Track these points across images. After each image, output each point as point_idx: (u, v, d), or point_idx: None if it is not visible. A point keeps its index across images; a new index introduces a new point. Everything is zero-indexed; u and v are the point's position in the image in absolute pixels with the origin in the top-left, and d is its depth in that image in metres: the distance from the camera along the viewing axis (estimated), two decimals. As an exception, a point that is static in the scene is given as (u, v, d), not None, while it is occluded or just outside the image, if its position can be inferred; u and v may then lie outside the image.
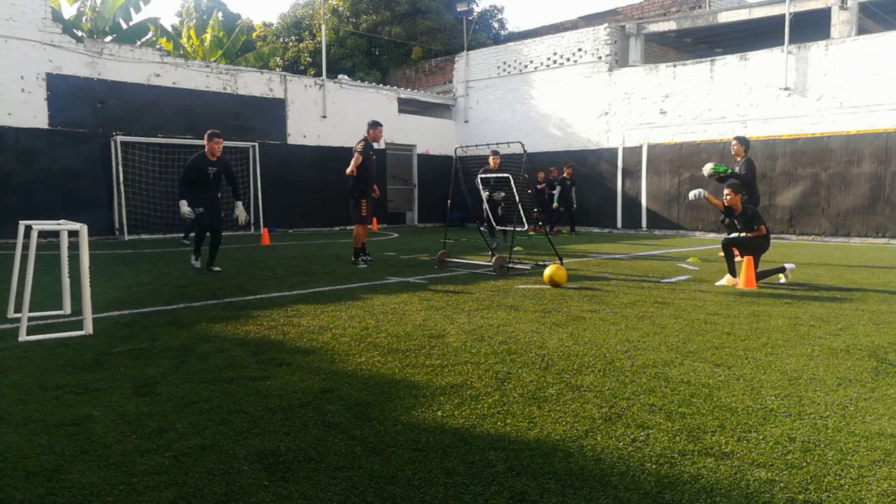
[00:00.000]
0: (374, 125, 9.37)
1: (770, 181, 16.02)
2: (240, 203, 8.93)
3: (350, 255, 9.92)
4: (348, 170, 8.92)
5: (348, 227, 10.88)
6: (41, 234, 4.70)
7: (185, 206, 8.34)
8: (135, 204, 15.40)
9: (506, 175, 11.76)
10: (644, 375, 3.73)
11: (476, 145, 10.54)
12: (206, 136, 8.75)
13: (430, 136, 21.94)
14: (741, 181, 8.58)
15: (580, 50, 19.42)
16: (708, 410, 3.14)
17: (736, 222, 7.60)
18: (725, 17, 17.90)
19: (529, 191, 15.72)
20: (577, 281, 7.80)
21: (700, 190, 8.07)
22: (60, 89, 14.43)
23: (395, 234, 17.22)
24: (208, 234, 8.58)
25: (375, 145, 9.45)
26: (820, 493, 2.28)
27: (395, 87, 22.09)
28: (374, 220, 18.54)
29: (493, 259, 8.73)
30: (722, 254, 8.11)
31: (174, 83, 16.23)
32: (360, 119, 13.11)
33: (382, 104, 20.56)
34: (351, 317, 5.50)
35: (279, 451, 2.63)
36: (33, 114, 14.15)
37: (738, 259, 7.85)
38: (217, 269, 8.59)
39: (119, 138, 15.08)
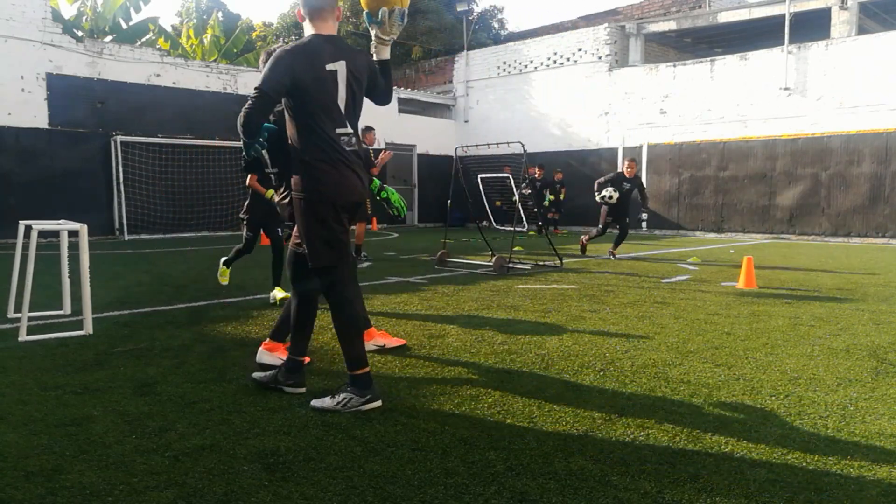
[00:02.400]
0: (370, 130, 9.81)
1: (770, 181, 16.02)
2: None
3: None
4: (375, 171, 9.44)
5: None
6: (41, 234, 4.69)
7: None
8: (135, 204, 15.40)
9: (506, 175, 11.73)
10: (644, 375, 3.73)
11: (476, 145, 10.54)
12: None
13: (430, 136, 21.93)
14: None
15: (580, 50, 19.42)
16: (708, 410, 3.14)
17: None
18: (725, 17, 17.90)
19: (529, 191, 15.76)
20: (578, 281, 7.80)
21: None
22: (60, 89, 14.42)
23: (395, 234, 17.22)
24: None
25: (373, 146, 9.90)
26: (820, 493, 2.28)
27: (395, 87, 22.09)
28: (374, 219, 18.54)
29: (493, 259, 8.73)
30: None
31: (174, 83, 16.23)
32: (361, 119, 13.09)
33: (382, 104, 20.52)
34: (351, 317, 5.49)
35: (279, 451, 2.63)
36: (33, 114, 14.14)
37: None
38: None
39: (119, 138, 15.08)
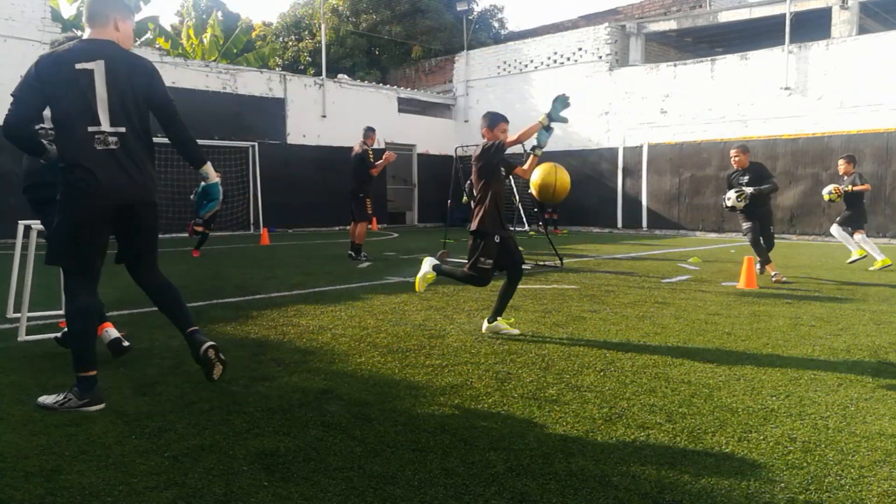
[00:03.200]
0: (373, 130, 10.25)
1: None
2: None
3: (350, 252, 10.11)
4: (375, 171, 9.94)
5: (347, 227, 10.94)
6: (41, 233, 4.69)
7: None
8: (135, 204, 15.38)
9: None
10: (644, 375, 3.73)
11: (476, 145, 10.52)
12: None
13: (430, 136, 21.93)
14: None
15: (580, 49, 19.41)
16: (708, 410, 3.14)
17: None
18: (726, 17, 17.90)
19: (530, 190, 15.75)
20: (578, 281, 7.79)
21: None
22: (60, 89, 14.40)
23: (395, 234, 17.22)
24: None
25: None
26: (820, 493, 2.28)
27: (395, 87, 22.09)
28: (374, 219, 18.56)
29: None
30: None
31: (173, 83, 16.19)
32: (360, 119, 13.10)
33: (382, 104, 20.56)
34: (351, 317, 5.50)
35: (279, 451, 2.63)
36: (33, 113, 14.12)
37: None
38: None
39: (119, 138, 15.06)
